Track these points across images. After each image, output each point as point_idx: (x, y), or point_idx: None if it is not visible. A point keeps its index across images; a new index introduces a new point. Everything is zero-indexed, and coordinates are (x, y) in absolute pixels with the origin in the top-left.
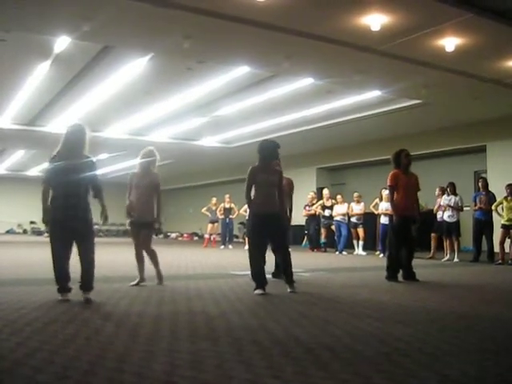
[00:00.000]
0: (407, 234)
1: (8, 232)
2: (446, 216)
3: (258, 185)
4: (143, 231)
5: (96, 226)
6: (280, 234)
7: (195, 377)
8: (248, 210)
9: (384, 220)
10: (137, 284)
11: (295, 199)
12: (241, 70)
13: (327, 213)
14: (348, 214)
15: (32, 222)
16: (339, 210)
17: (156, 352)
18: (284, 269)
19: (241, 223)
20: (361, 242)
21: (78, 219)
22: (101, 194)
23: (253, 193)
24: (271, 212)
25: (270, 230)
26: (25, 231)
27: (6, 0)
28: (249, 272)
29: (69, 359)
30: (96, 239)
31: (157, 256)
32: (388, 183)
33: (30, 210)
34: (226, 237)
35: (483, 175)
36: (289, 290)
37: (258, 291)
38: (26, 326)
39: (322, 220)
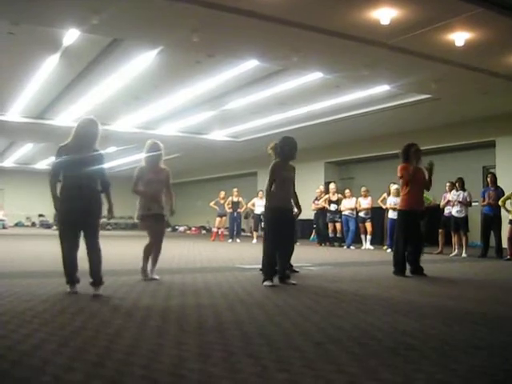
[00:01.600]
0: (415, 229)
1: (17, 225)
2: (454, 211)
3: (279, 181)
4: (160, 225)
5: (104, 219)
6: (292, 229)
7: (203, 369)
8: (256, 204)
9: (392, 215)
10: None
11: (304, 193)
12: (250, 64)
13: (333, 207)
14: (356, 208)
15: (40, 215)
16: (347, 204)
17: (164, 344)
18: (285, 262)
19: (245, 217)
20: (368, 237)
21: (86, 211)
22: (108, 189)
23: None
24: (287, 207)
25: (284, 224)
26: (33, 224)
27: None
28: (256, 266)
29: (77, 351)
30: (104, 232)
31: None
32: (398, 175)
33: (38, 203)
34: (234, 230)
35: (492, 170)
36: (291, 281)
37: (268, 283)
38: (34, 318)
39: (328, 215)
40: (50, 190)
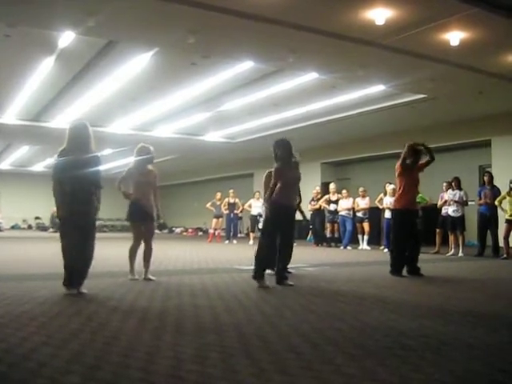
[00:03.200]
0: (412, 228)
1: (13, 227)
2: (450, 211)
3: (283, 183)
4: (149, 225)
5: (101, 222)
6: (292, 228)
7: (201, 371)
8: (252, 205)
9: (388, 215)
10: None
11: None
12: (245, 65)
13: (332, 207)
14: (353, 208)
15: (37, 218)
16: (344, 204)
17: (161, 346)
18: (284, 263)
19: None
20: (366, 237)
21: (86, 214)
22: (99, 193)
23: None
24: (290, 205)
25: (285, 221)
26: (29, 226)
27: None
28: (253, 267)
29: (74, 354)
30: (100, 234)
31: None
32: (397, 171)
33: (34, 206)
34: (231, 232)
35: (488, 170)
36: (289, 282)
37: (260, 282)
38: (31, 321)
39: (327, 215)
40: (53, 195)
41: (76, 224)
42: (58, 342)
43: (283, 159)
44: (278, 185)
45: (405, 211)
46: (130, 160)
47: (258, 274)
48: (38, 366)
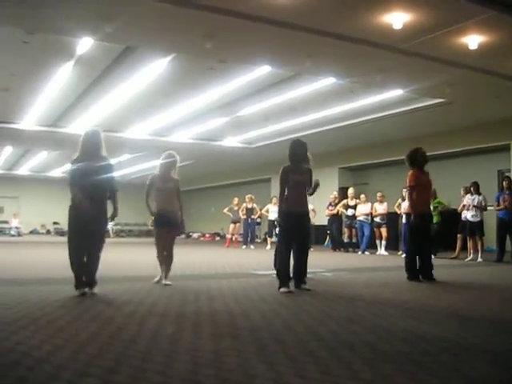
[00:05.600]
0: (426, 233)
1: (32, 232)
2: (469, 216)
3: (290, 185)
4: (170, 231)
5: (118, 227)
6: (306, 234)
7: (218, 375)
8: (270, 210)
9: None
10: (159, 281)
11: (318, 199)
12: (262, 70)
13: (350, 212)
14: (371, 213)
15: (55, 223)
16: (362, 209)
17: (179, 351)
18: (301, 267)
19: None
20: (383, 242)
21: (97, 220)
22: (115, 196)
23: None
24: (301, 212)
25: (297, 228)
26: (48, 231)
27: (29, 1)
28: (271, 272)
29: (92, 357)
30: (118, 239)
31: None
32: (408, 184)
33: (53, 211)
34: (248, 237)
35: (507, 174)
36: (306, 287)
37: (284, 289)
38: (50, 324)
39: (345, 220)
40: (72, 197)
41: (87, 227)
42: (76, 346)
43: (291, 161)
44: (286, 192)
45: (419, 215)
46: (148, 165)
47: (282, 283)
48: (56, 369)
